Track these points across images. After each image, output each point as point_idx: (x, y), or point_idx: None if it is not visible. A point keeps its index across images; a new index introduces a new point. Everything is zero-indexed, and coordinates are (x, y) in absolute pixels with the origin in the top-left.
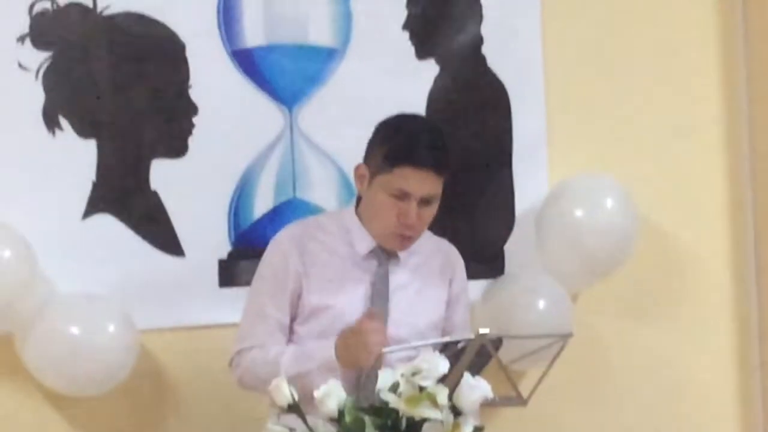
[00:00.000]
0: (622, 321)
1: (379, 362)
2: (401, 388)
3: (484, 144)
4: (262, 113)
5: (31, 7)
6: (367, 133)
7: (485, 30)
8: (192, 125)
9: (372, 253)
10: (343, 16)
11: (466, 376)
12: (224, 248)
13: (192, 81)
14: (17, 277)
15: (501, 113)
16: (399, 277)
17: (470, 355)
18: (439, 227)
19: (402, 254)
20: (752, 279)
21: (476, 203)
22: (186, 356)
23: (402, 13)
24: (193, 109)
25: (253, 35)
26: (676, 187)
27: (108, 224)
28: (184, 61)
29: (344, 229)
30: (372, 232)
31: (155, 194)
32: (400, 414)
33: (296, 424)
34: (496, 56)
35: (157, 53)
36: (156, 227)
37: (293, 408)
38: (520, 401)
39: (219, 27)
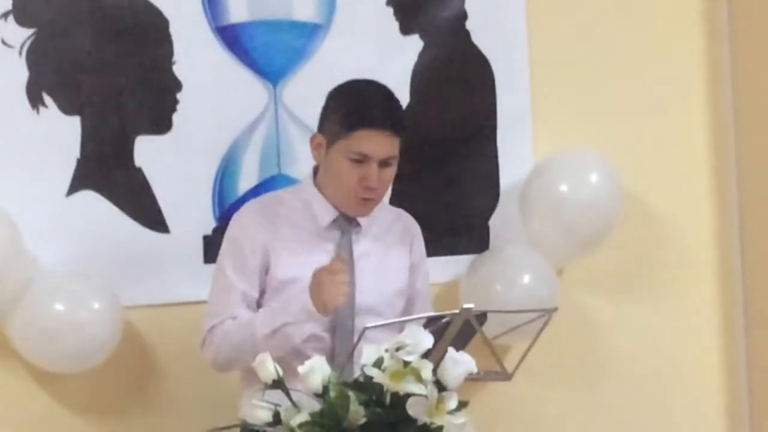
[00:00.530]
0: (607, 295)
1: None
2: (385, 364)
3: (468, 119)
4: (246, 89)
5: None
6: None
7: (469, 5)
8: (176, 101)
9: (334, 222)
10: None
11: (451, 351)
12: (209, 224)
13: (176, 57)
14: (1, 254)
15: (485, 88)
16: (362, 246)
17: (455, 330)
18: (423, 202)
19: (363, 222)
20: (737, 253)
21: (461, 178)
22: (171, 332)
23: None
24: (177, 86)
25: (237, 11)
26: (660, 161)
27: (92, 201)
28: (168, 38)
29: (304, 202)
30: (333, 199)
31: (140, 171)
32: (385, 389)
33: (281, 399)
34: (481, 31)
35: (141, 29)
36: (140, 204)
37: (278, 384)
38: (505, 376)
39: (203, 3)
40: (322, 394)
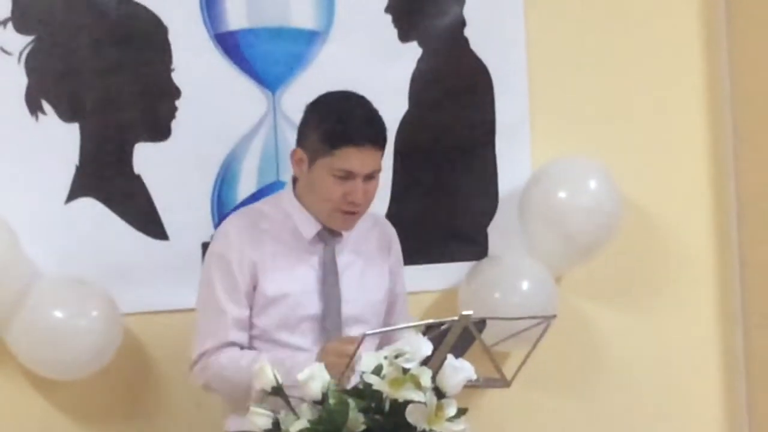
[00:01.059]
0: (606, 302)
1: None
2: (385, 371)
3: (467, 126)
4: (245, 96)
5: None
6: None
7: (468, 12)
8: (175, 108)
9: (318, 235)
10: None
11: (450, 358)
12: (208, 231)
13: (175, 64)
14: (0, 260)
15: (484, 95)
16: (345, 257)
17: (454, 337)
18: (422, 209)
19: (344, 233)
20: (736, 260)
21: (459, 185)
22: (169, 339)
23: None
24: (176, 93)
25: (235, 18)
26: (659, 168)
27: (91, 208)
28: (167, 45)
29: (285, 214)
30: (317, 213)
31: (138, 178)
32: (384, 396)
33: (280, 406)
34: (479, 39)
35: (140, 37)
36: (139, 210)
37: (277, 390)
38: (504, 383)
39: (201, 10)
40: (322, 401)
